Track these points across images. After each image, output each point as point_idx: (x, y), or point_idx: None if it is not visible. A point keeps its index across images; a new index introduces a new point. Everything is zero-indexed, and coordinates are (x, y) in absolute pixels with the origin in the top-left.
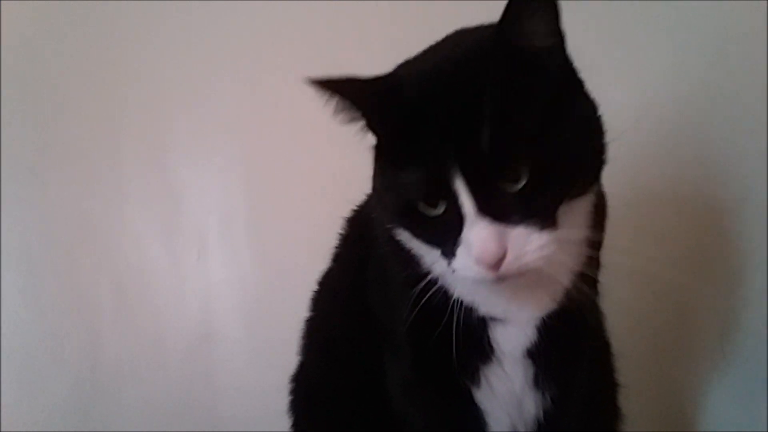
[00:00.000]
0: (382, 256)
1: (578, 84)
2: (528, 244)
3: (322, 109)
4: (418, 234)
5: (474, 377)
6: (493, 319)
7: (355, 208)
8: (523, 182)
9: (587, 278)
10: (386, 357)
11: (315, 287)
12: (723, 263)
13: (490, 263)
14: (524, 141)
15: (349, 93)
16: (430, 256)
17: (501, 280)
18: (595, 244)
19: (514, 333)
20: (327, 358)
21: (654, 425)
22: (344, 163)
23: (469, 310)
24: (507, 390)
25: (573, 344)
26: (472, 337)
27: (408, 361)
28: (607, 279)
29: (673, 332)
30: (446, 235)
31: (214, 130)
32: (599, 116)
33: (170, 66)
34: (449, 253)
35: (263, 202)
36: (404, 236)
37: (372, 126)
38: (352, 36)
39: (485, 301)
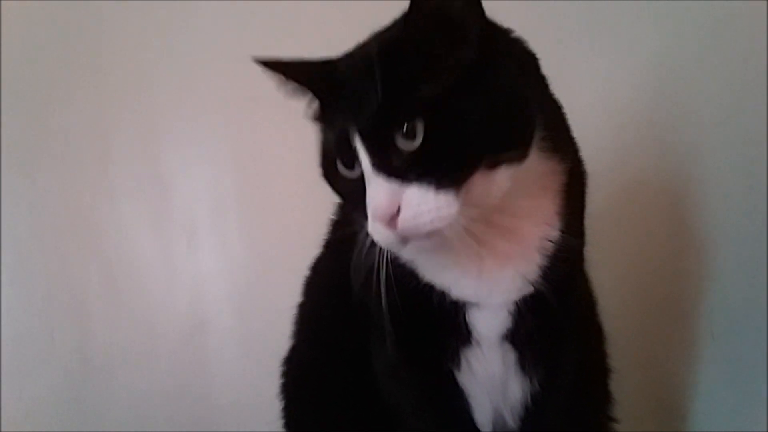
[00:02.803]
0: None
1: (501, 47)
2: (423, 203)
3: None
4: (342, 197)
5: (455, 360)
6: (467, 303)
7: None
8: (419, 140)
9: (566, 256)
10: (372, 340)
11: (307, 273)
12: (712, 249)
13: (382, 219)
14: (418, 98)
15: (292, 71)
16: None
17: (404, 241)
18: (567, 217)
19: (489, 316)
20: (317, 342)
21: (645, 409)
22: None
23: (442, 294)
24: (487, 373)
25: (555, 328)
26: (449, 320)
27: (391, 343)
28: (594, 263)
29: (664, 316)
30: (360, 197)
31: (203, 119)
32: (524, 83)
33: (159, 57)
34: (365, 217)
35: (253, 190)
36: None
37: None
38: (340, 29)
39: (454, 283)
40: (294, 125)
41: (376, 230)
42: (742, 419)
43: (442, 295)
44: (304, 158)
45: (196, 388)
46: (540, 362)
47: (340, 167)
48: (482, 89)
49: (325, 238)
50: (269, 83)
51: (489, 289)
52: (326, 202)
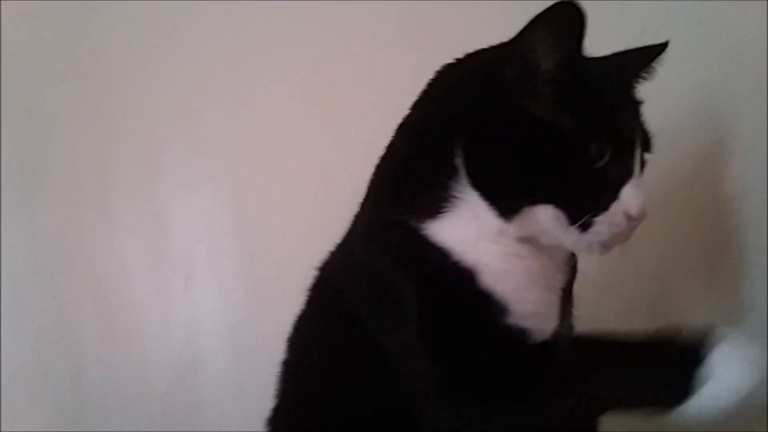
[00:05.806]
0: (386, 291)
1: None
2: None
3: (312, 140)
4: (574, 188)
5: None
6: (524, 330)
7: (327, 255)
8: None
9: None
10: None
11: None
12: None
13: (642, 216)
14: None
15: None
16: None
17: (624, 236)
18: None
19: None
20: (303, 401)
21: None
22: (334, 196)
23: (499, 313)
24: None
25: None
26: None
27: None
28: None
29: None
30: (606, 189)
31: (203, 159)
32: None
33: (160, 95)
34: (600, 208)
35: (252, 231)
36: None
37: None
38: (346, 72)
39: (518, 287)
40: (295, 167)
41: (620, 224)
42: None
43: (500, 314)
44: (303, 201)
45: (188, 428)
46: None
47: (593, 154)
48: None
49: (308, 294)
50: (270, 124)
51: (549, 301)
52: (324, 245)
